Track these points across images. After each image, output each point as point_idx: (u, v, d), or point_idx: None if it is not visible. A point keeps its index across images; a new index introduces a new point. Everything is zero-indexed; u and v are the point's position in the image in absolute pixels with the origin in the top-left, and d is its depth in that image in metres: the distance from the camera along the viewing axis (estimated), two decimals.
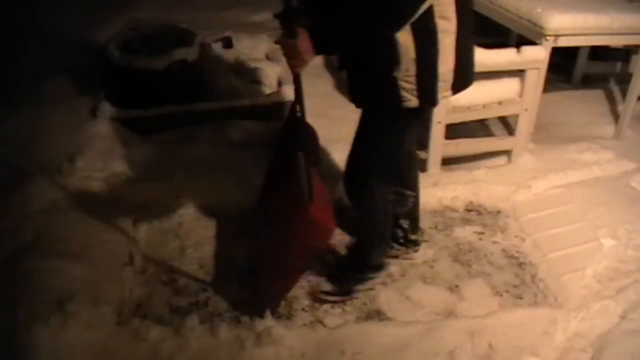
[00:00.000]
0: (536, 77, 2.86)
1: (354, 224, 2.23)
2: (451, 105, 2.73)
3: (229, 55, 3.78)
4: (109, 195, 2.58)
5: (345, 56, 1.92)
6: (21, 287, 2.00)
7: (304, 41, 1.65)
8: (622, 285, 2.27)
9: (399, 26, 1.67)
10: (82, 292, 2.01)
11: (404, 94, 1.80)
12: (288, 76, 3.50)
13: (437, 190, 2.80)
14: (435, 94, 1.83)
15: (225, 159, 2.85)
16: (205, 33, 3.77)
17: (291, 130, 2.28)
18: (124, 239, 2.40)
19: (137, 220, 2.54)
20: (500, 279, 2.39)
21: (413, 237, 2.43)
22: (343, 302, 2.21)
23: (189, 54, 3.17)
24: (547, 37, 2.90)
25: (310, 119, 1.96)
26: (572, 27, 2.92)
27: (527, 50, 2.78)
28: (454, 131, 2.92)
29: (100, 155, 2.78)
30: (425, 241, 2.49)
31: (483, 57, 2.55)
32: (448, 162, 2.98)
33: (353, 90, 1.97)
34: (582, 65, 4.06)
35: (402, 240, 2.43)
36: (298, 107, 1.84)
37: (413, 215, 2.39)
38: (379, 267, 2.28)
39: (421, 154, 2.81)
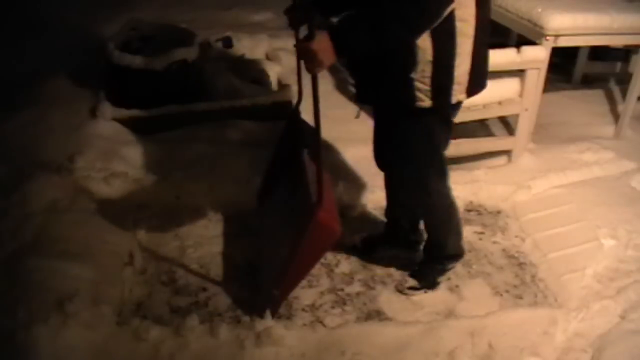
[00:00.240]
0: (536, 77, 2.86)
1: (427, 225, 2.25)
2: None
3: (229, 55, 3.78)
4: (109, 195, 2.58)
5: (361, 57, 1.91)
6: (21, 287, 2.00)
7: (321, 42, 1.63)
8: (622, 285, 2.27)
9: (424, 29, 1.67)
10: (82, 292, 2.01)
11: (418, 94, 1.81)
12: (288, 76, 3.52)
13: None
14: (449, 96, 1.84)
15: (225, 159, 2.85)
16: (205, 33, 3.76)
17: (296, 131, 2.28)
18: (124, 239, 2.39)
19: (137, 220, 2.54)
20: (500, 279, 2.39)
21: (412, 237, 2.43)
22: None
23: (189, 54, 3.17)
24: (547, 37, 2.90)
25: (310, 118, 1.96)
26: (572, 27, 2.92)
27: (527, 50, 2.78)
28: (454, 131, 2.91)
29: (100, 155, 2.78)
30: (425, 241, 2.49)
31: None
32: (448, 162, 2.97)
33: (364, 88, 1.98)
34: (582, 65, 4.06)
35: (402, 241, 2.43)
36: (314, 111, 1.83)
37: (414, 216, 2.39)
38: (458, 256, 2.31)
39: None
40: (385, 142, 2.11)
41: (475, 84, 1.89)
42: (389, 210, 2.40)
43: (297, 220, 1.98)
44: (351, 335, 2.03)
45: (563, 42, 2.95)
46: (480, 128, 3.31)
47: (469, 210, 2.79)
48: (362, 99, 2.05)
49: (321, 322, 2.14)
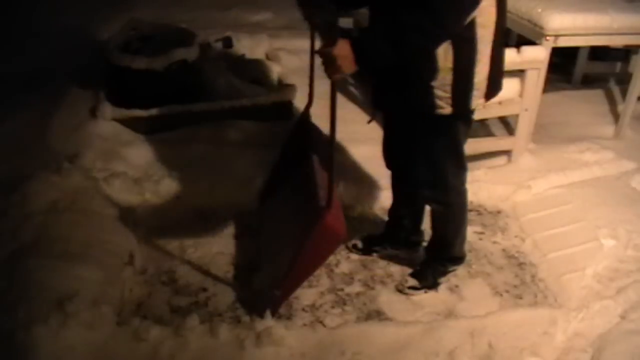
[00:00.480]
0: (536, 77, 2.86)
1: (436, 223, 2.25)
2: None
3: (229, 55, 3.78)
4: (109, 195, 2.58)
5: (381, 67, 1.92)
6: (21, 287, 2.00)
7: (342, 49, 1.64)
8: (622, 285, 2.27)
9: (444, 40, 1.68)
10: (82, 292, 2.00)
11: (438, 102, 1.82)
12: (288, 76, 3.52)
13: None
14: (469, 103, 1.85)
15: (225, 159, 2.85)
16: (205, 33, 3.76)
17: (305, 134, 2.28)
18: (124, 239, 2.39)
19: (137, 220, 2.54)
20: (500, 279, 2.39)
21: (413, 238, 2.43)
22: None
23: (189, 54, 3.17)
24: (547, 37, 2.90)
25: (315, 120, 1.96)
26: (572, 27, 2.92)
27: (527, 50, 2.78)
28: None
29: (100, 155, 2.78)
30: (425, 241, 2.48)
31: None
32: None
33: (382, 94, 1.98)
34: (582, 65, 4.06)
35: (403, 241, 2.43)
36: (330, 117, 1.83)
37: (416, 217, 2.39)
38: (461, 259, 2.32)
39: None
40: (402, 144, 2.10)
41: (493, 88, 1.90)
42: (394, 209, 2.40)
43: (303, 223, 1.98)
44: (351, 335, 2.03)
45: (563, 42, 2.95)
46: (480, 128, 3.31)
47: (469, 210, 2.77)
48: (378, 104, 2.05)
49: (321, 322, 2.14)
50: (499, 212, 2.80)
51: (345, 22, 4.28)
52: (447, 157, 2.01)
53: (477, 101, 1.86)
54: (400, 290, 2.29)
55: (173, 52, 3.09)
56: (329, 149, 1.85)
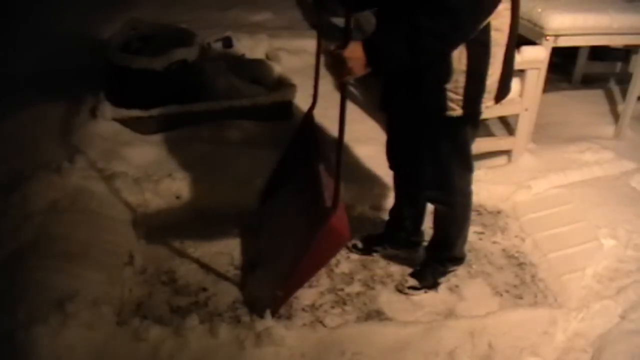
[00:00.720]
0: (536, 77, 2.86)
1: (439, 223, 2.25)
2: None
3: (229, 55, 3.78)
4: (109, 195, 2.58)
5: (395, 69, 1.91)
6: (21, 287, 2.00)
7: (354, 51, 1.64)
8: (622, 285, 2.27)
9: (459, 43, 1.68)
10: (82, 292, 2.00)
11: (450, 103, 1.82)
12: (288, 76, 3.51)
13: None
14: (480, 105, 1.85)
15: (225, 159, 2.85)
16: (205, 33, 3.76)
17: (309, 135, 2.28)
18: (124, 239, 2.40)
19: (137, 220, 2.54)
20: (500, 279, 2.40)
21: (413, 238, 2.43)
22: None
23: (189, 54, 3.17)
24: (547, 37, 2.90)
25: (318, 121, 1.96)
26: (572, 27, 2.91)
27: (527, 50, 2.77)
28: None
29: (100, 155, 2.78)
30: (426, 242, 2.49)
31: None
32: None
33: (392, 96, 1.98)
34: (582, 65, 4.06)
35: (403, 241, 2.43)
36: (339, 119, 1.83)
37: (418, 218, 2.39)
38: (461, 259, 2.32)
39: None
40: (408, 145, 2.10)
41: (503, 91, 1.90)
42: (396, 210, 2.40)
43: (307, 223, 1.98)
44: (351, 335, 2.03)
45: (563, 42, 2.95)
46: (480, 128, 3.31)
47: None
48: (386, 105, 2.05)
49: (321, 322, 2.14)
50: (499, 212, 2.80)
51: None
52: (454, 158, 2.01)
53: (487, 103, 1.86)
54: (400, 290, 2.29)
55: (173, 52, 3.09)
56: (337, 151, 1.85)
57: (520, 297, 2.30)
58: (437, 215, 2.23)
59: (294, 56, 3.90)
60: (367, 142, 3.03)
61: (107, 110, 3.04)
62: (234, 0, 5.04)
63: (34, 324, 1.85)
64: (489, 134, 3.32)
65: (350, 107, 3.50)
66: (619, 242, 2.49)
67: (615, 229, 2.54)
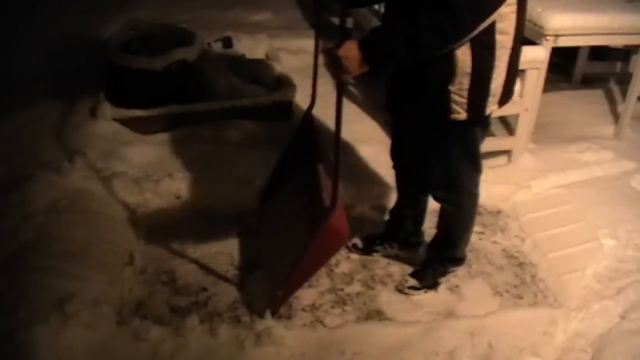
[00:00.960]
0: (536, 77, 2.86)
1: (444, 222, 2.25)
2: None
3: (229, 55, 3.78)
4: (109, 195, 2.58)
5: (393, 68, 1.90)
6: (21, 287, 2.00)
7: (349, 50, 1.64)
8: (622, 285, 2.27)
9: (458, 41, 1.66)
10: (82, 292, 2.01)
11: (454, 106, 1.81)
12: (288, 76, 3.51)
13: None
14: (484, 108, 1.84)
15: (225, 159, 2.85)
16: (205, 33, 3.77)
17: (309, 135, 2.28)
18: (124, 239, 2.40)
19: (137, 220, 2.54)
20: (500, 279, 2.40)
21: (413, 239, 2.43)
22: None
23: (189, 54, 3.17)
24: (547, 37, 2.90)
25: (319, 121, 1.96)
26: (572, 27, 2.91)
27: (527, 50, 2.76)
28: None
29: (100, 155, 2.78)
30: (426, 242, 2.49)
31: None
32: None
33: (397, 97, 1.98)
34: (582, 65, 4.06)
35: (403, 241, 2.43)
36: (335, 118, 1.84)
37: (419, 219, 2.39)
38: (462, 260, 2.32)
39: None
40: (414, 146, 2.10)
41: (507, 94, 1.89)
42: (397, 210, 2.40)
43: (306, 223, 1.98)
44: (351, 335, 2.03)
45: (563, 42, 2.94)
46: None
47: None
48: (392, 106, 2.05)
49: (321, 322, 2.14)
50: (499, 212, 2.80)
51: (347, 23, 4.28)
52: (462, 159, 2.01)
53: (491, 107, 1.86)
54: (400, 290, 2.29)
55: (173, 52, 3.09)
56: (334, 150, 1.84)
57: (520, 297, 2.30)
58: (443, 215, 2.23)
59: (293, 56, 3.90)
60: (367, 142, 3.03)
61: (107, 110, 3.04)
62: (234, 0, 5.04)
63: (34, 324, 1.85)
64: (489, 134, 3.30)
65: (350, 107, 3.51)
66: (619, 242, 2.49)
67: (615, 229, 2.54)
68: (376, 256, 2.47)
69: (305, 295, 2.25)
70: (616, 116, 3.51)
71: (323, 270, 2.38)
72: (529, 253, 2.53)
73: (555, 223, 2.64)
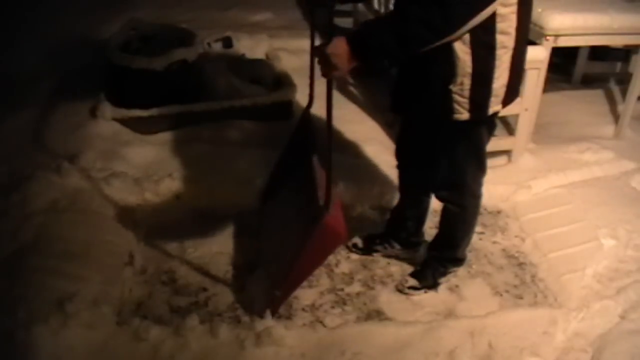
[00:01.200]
0: (536, 77, 2.86)
1: (446, 222, 2.25)
2: None
3: (229, 55, 3.78)
4: (109, 195, 2.58)
5: (401, 65, 1.89)
6: (21, 287, 2.00)
7: (336, 47, 1.63)
8: (622, 285, 2.27)
9: (448, 35, 1.63)
10: (82, 292, 2.01)
11: (456, 106, 1.81)
12: (288, 76, 3.51)
13: None
14: (487, 109, 1.84)
15: (225, 159, 2.85)
16: (205, 33, 3.77)
17: (307, 134, 2.28)
18: (124, 239, 2.40)
19: (137, 220, 2.54)
20: (500, 279, 2.40)
21: (414, 239, 2.43)
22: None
23: (189, 54, 3.17)
24: (547, 37, 2.90)
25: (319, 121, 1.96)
26: (572, 27, 2.91)
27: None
28: None
29: (100, 155, 2.78)
30: (426, 242, 2.49)
31: None
32: None
33: (401, 98, 1.98)
34: (582, 65, 4.06)
35: (403, 241, 2.43)
36: (327, 115, 1.84)
37: (421, 219, 2.39)
38: (462, 261, 2.32)
39: None
40: (419, 147, 2.10)
41: (511, 95, 1.88)
42: (399, 210, 2.39)
43: (303, 223, 1.98)
44: (351, 335, 2.03)
45: (563, 42, 2.94)
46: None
47: None
48: (397, 107, 2.05)
49: (321, 322, 2.14)
50: (499, 212, 2.80)
51: (345, 22, 4.28)
52: (468, 159, 2.01)
53: (494, 107, 1.85)
54: (400, 290, 2.29)
55: (173, 52, 3.09)
56: (327, 149, 1.85)
57: (520, 297, 2.30)
58: (446, 215, 2.22)
59: (293, 56, 3.90)
60: (367, 142, 3.04)
61: (107, 110, 3.04)
62: (234, 0, 5.05)
63: (34, 324, 1.85)
64: None
65: (350, 107, 3.51)
66: (619, 242, 2.49)
67: (615, 229, 2.54)
68: (376, 256, 2.47)
69: (305, 295, 2.25)
70: (616, 116, 3.51)
71: (323, 270, 2.38)
72: (529, 253, 2.53)
73: (555, 223, 2.64)
